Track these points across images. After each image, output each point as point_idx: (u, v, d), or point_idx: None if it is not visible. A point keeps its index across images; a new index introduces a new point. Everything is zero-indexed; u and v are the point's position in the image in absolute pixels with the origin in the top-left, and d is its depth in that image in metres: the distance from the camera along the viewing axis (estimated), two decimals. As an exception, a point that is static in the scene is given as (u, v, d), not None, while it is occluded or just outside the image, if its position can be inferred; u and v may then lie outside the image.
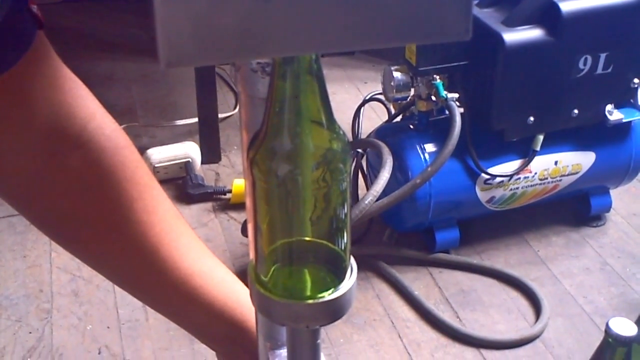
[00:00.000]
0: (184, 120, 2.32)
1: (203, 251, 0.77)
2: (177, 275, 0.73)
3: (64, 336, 1.62)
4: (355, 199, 1.81)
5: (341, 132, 0.47)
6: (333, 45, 0.38)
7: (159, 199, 0.73)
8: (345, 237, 0.51)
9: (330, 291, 0.51)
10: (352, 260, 0.53)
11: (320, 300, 0.50)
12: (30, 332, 1.63)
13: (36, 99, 0.64)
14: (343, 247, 0.51)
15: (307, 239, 0.50)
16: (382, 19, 0.38)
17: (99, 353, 1.58)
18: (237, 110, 2.43)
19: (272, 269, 0.51)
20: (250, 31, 0.36)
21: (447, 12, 0.38)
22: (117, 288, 1.74)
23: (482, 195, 1.77)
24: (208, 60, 0.37)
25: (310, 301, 0.50)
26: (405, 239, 1.87)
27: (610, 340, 1.13)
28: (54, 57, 0.66)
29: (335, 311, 0.51)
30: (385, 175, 1.59)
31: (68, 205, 0.71)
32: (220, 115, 2.27)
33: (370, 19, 0.37)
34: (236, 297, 0.77)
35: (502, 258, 1.86)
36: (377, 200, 1.59)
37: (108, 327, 1.64)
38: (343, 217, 0.49)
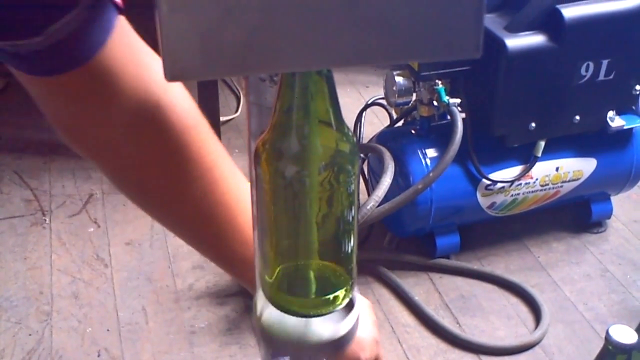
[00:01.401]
0: (185, 124, 2.31)
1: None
2: (229, 249, 0.79)
3: (63, 338, 1.62)
4: (358, 203, 1.81)
5: (350, 134, 0.47)
6: (341, 61, 0.38)
7: (219, 181, 0.78)
8: (352, 239, 0.50)
9: (336, 293, 0.51)
10: (355, 296, 0.54)
11: (324, 340, 0.52)
12: (30, 334, 1.62)
13: (121, 75, 0.70)
14: (350, 249, 0.51)
15: (313, 240, 0.50)
16: (391, 35, 0.37)
17: (99, 356, 1.58)
18: (238, 113, 2.43)
19: (278, 270, 0.51)
20: (256, 46, 0.36)
21: (457, 29, 0.37)
22: (117, 291, 1.74)
23: (483, 201, 1.77)
24: (213, 74, 0.37)
25: (314, 341, 0.52)
26: (405, 244, 1.86)
27: (610, 347, 1.13)
28: (134, 35, 0.72)
29: (339, 346, 0.53)
30: (387, 180, 1.59)
31: (139, 174, 0.77)
32: (222, 119, 2.27)
33: (379, 34, 0.37)
34: None
35: (503, 264, 1.85)
36: (378, 205, 1.59)
37: (108, 330, 1.64)
38: (350, 219, 0.49)
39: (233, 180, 0.79)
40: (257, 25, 0.36)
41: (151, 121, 0.72)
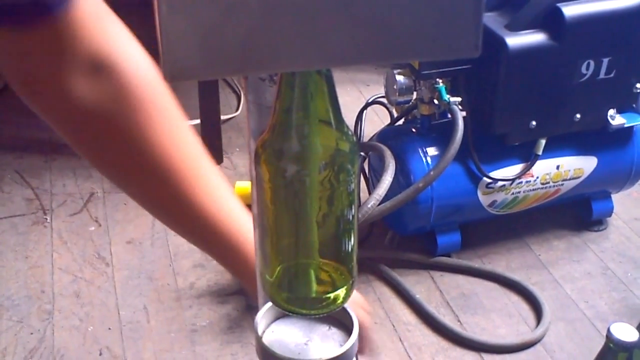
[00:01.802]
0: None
1: (215, 183, 0.83)
2: (192, 206, 0.79)
3: (65, 337, 1.62)
4: (358, 202, 1.81)
5: (350, 133, 0.47)
6: (340, 61, 0.38)
7: (182, 134, 0.81)
8: (352, 238, 0.51)
9: (336, 291, 0.51)
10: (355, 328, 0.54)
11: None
12: (31, 333, 1.62)
13: (84, 35, 0.72)
14: (350, 248, 0.51)
15: (313, 239, 0.50)
16: (390, 34, 0.37)
17: (100, 354, 1.58)
18: (239, 112, 2.43)
19: (278, 269, 0.51)
20: (256, 46, 0.36)
21: (456, 28, 0.38)
22: (118, 290, 1.74)
23: (483, 199, 1.77)
24: (213, 74, 0.37)
25: None
26: (406, 242, 1.86)
27: (611, 345, 1.13)
28: (100, 2, 0.75)
29: None
30: (387, 179, 1.59)
31: (94, 130, 0.78)
32: (222, 117, 2.27)
33: (378, 34, 0.37)
34: (241, 225, 0.80)
35: (504, 262, 1.85)
36: (379, 203, 1.59)
37: (109, 329, 1.64)
38: (350, 217, 0.49)
39: (188, 141, 0.82)
40: (256, 26, 0.36)
41: (109, 74, 0.75)
